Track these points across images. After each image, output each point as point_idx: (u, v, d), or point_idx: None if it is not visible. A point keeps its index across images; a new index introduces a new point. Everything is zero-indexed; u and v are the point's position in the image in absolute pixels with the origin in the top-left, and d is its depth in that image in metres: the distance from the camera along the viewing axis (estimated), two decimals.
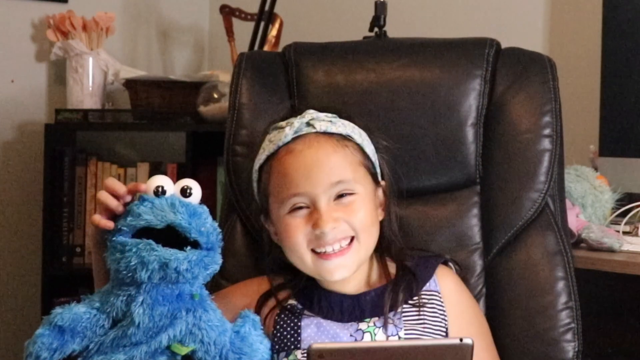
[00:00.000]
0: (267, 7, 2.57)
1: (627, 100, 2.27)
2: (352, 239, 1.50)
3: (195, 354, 1.41)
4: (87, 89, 2.91)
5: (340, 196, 1.50)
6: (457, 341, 1.15)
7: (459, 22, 2.78)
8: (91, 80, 2.92)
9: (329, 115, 1.56)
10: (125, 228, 1.40)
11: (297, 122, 1.53)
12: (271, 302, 1.56)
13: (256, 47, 2.57)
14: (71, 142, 2.94)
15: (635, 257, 1.95)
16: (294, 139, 1.52)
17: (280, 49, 2.68)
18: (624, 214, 2.11)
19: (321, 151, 1.51)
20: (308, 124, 1.53)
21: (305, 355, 1.48)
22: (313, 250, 1.50)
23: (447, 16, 2.83)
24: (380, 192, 1.58)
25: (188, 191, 1.42)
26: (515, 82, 1.75)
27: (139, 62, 3.19)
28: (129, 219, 1.40)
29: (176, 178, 2.79)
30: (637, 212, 2.12)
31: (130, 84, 2.90)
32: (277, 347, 1.52)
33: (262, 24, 2.57)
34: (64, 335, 1.40)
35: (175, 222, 1.39)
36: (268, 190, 1.54)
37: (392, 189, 1.61)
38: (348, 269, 1.51)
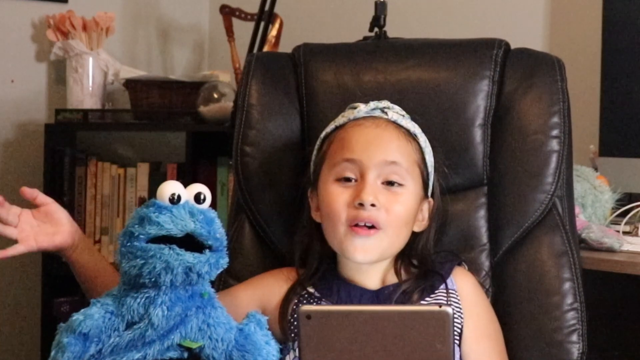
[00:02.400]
0: (267, 7, 2.56)
1: (627, 100, 2.27)
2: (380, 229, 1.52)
3: (203, 350, 1.44)
4: (87, 89, 2.91)
5: (390, 183, 1.53)
6: (437, 308, 1.19)
7: (459, 22, 2.78)
8: (91, 80, 2.92)
9: (403, 111, 1.61)
10: (142, 234, 1.41)
11: (373, 104, 1.59)
12: (297, 292, 1.59)
13: (256, 47, 2.57)
14: (71, 142, 2.94)
15: (635, 257, 1.95)
16: (365, 117, 1.58)
17: (280, 49, 2.69)
18: (624, 214, 2.11)
19: (386, 132, 1.56)
20: (382, 110, 1.58)
21: None
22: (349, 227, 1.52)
23: (447, 16, 2.83)
24: (425, 205, 1.60)
25: (202, 197, 1.45)
26: (524, 83, 1.75)
27: (139, 62, 3.19)
28: (147, 227, 1.41)
29: (176, 178, 2.80)
30: (637, 212, 2.12)
31: (130, 84, 2.90)
32: (292, 334, 1.54)
33: (262, 24, 2.56)
34: (86, 342, 1.41)
35: (196, 232, 1.42)
36: (325, 155, 1.58)
37: (439, 210, 1.62)
38: (370, 254, 1.53)
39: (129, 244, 1.42)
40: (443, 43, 1.83)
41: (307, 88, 1.80)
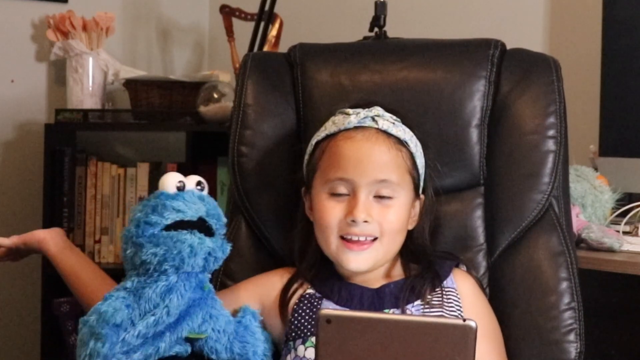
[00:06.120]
0: (267, 7, 2.56)
1: (627, 100, 2.27)
2: (375, 238, 1.55)
3: (207, 342, 1.47)
4: (87, 89, 2.91)
5: (381, 197, 1.55)
6: (460, 321, 1.17)
7: (459, 22, 2.78)
8: (91, 80, 2.92)
9: (394, 117, 1.60)
10: (159, 222, 1.45)
11: (364, 114, 1.59)
12: (296, 290, 1.60)
13: (256, 47, 2.57)
14: (71, 142, 2.94)
15: (635, 257, 1.95)
16: (355, 128, 1.58)
17: (280, 49, 2.69)
18: (624, 214, 2.11)
19: (376, 147, 1.56)
20: (373, 119, 1.58)
21: None
22: (341, 237, 1.55)
23: (447, 16, 2.83)
24: (417, 203, 1.62)
25: (202, 185, 1.52)
26: (520, 83, 1.75)
27: (139, 62, 3.19)
28: (165, 213, 1.45)
29: None
30: (637, 212, 2.12)
31: (130, 84, 2.90)
32: (293, 334, 1.56)
33: (262, 24, 2.56)
34: (119, 332, 1.44)
35: (209, 213, 1.48)
36: (317, 165, 1.60)
37: (432, 204, 1.63)
38: (365, 263, 1.56)
39: (147, 233, 1.45)
40: (439, 43, 1.83)
41: (303, 88, 1.80)
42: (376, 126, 1.57)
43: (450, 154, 1.71)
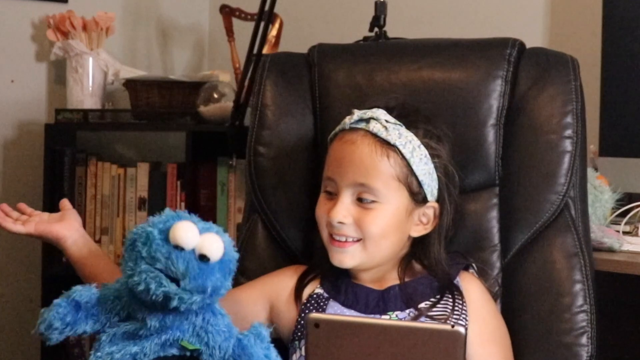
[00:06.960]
0: (267, 7, 2.56)
1: (627, 100, 2.27)
2: (360, 239, 1.56)
3: (200, 355, 1.44)
4: (87, 89, 2.91)
5: (362, 200, 1.55)
6: (449, 327, 1.17)
7: (460, 22, 2.78)
8: (91, 80, 2.92)
9: (392, 121, 1.56)
10: (140, 251, 1.40)
11: (358, 115, 1.58)
12: (309, 283, 1.63)
13: (256, 47, 2.57)
14: (71, 142, 2.94)
15: (635, 257, 1.95)
16: (350, 129, 1.57)
17: (280, 49, 2.70)
18: (624, 214, 2.11)
19: (359, 150, 1.55)
20: (367, 121, 1.57)
21: None
22: (330, 234, 1.58)
23: (447, 15, 2.83)
24: (426, 211, 1.59)
25: (205, 259, 1.39)
26: (537, 83, 1.74)
27: (139, 62, 3.19)
28: (144, 252, 1.39)
29: (176, 178, 2.79)
30: (637, 212, 2.12)
31: (130, 84, 2.90)
32: (299, 333, 1.57)
33: (262, 24, 2.56)
34: (78, 312, 1.43)
35: (178, 290, 1.38)
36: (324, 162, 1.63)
37: (447, 212, 1.60)
38: (346, 261, 1.58)
39: (128, 248, 1.42)
40: (456, 43, 1.82)
41: (321, 88, 1.80)
42: (367, 128, 1.56)
43: (466, 154, 1.70)
